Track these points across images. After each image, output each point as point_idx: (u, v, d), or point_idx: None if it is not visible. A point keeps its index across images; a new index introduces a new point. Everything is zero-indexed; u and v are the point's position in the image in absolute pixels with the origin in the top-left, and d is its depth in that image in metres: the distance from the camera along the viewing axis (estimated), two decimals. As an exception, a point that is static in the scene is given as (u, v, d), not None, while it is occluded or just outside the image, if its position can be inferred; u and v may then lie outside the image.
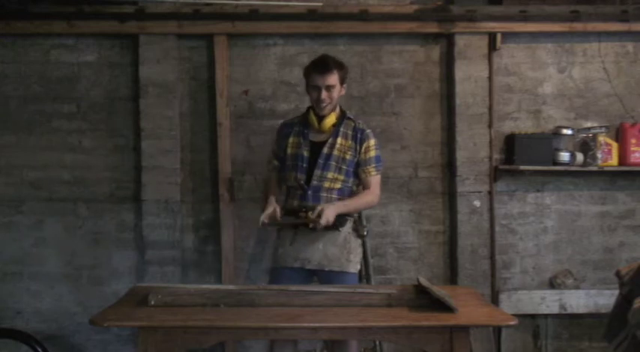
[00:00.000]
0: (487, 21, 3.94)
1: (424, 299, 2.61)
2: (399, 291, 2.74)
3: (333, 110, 3.23)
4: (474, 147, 3.98)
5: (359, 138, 3.24)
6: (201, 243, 4.05)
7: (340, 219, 3.18)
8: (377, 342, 3.68)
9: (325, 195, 3.20)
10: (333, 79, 3.18)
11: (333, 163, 3.20)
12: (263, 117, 4.03)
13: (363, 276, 3.78)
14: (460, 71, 3.98)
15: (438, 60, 4.07)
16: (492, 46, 3.98)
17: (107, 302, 3.04)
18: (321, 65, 3.20)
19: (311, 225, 3.10)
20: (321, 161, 3.20)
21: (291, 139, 3.30)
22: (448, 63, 4.05)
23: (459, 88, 3.98)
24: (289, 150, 3.29)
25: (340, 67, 3.24)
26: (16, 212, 4.01)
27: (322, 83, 3.17)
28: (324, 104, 3.19)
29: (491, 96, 4.00)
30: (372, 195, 3.27)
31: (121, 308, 2.60)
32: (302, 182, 3.19)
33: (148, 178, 3.93)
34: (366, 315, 2.49)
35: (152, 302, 2.58)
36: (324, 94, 3.17)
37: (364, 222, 3.44)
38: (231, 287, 2.94)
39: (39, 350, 3.68)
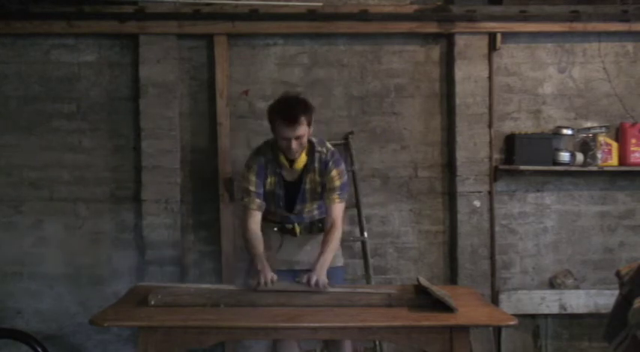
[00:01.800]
0: (487, 21, 3.94)
1: (424, 299, 2.61)
2: (399, 291, 2.74)
3: (302, 152, 3.11)
4: (474, 147, 3.98)
5: (323, 171, 3.13)
6: (201, 243, 4.05)
7: (319, 225, 3.25)
8: (377, 342, 3.69)
9: (307, 214, 3.23)
10: (303, 129, 3.01)
11: (308, 196, 3.18)
12: (263, 117, 3.98)
13: (364, 276, 3.79)
14: (460, 71, 3.98)
15: (438, 60, 4.07)
16: (492, 46, 3.98)
17: (107, 302, 3.04)
18: (290, 117, 2.97)
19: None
20: (298, 199, 3.17)
21: (269, 179, 3.15)
22: (448, 63, 4.05)
23: (459, 88, 3.98)
24: (267, 187, 3.17)
25: (307, 110, 3.04)
26: (16, 212, 4.01)
27: (292, 135, 2.99)
28: (295, 151, 3.05)
29: (492, 96, 4.00)
30: (337, 230, 3.13)
31: (121, 308, 2.60)
32: (285, 215, 3.22)
33: (148, 178, 3.93)
34: (366, 315, 2.49)
35: (152, 302, 2.58)
36: (294, 144, 3.02)
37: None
38: (231, 287, 2.94)
39: (39, 350, 3.68)
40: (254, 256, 3.06)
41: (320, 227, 3.23)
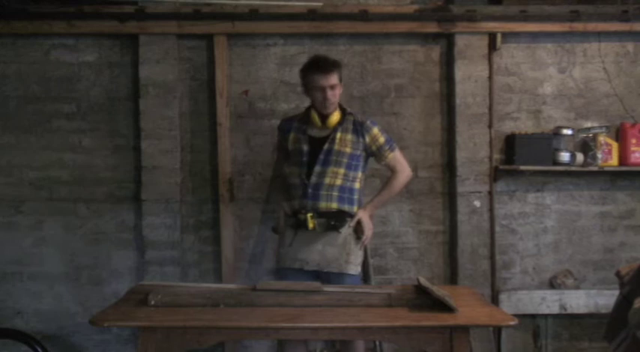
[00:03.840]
0: (487, 21, 3.94)
1: (424, 299, 2.61)
2: (399, 291, 2.74)
3: (336, 108, 3.26)
4: (474, 147, 3.98)
5: (360, 131, 3.27)
6: (201, 243, 4.05)
7: (340, 220, 3.19)
8: (377, 342, 3.68)
9: (325, 192, 3.20)
10: (335, 78, 3.22)
11: (333, 158, 3.22)
12: (263, 117, 4.03)
13: (364, 276, 3.78)
14: (460, 71, 3.98)
15: (438, 60, 4.07)
16: (492, 46, 3.98)
17: (107, 302, 3.05)
18: (323, 65, 3.21)
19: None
20: (321, 156, 3.22)
21: (291, 135, 3.33)
22: (448, 63, 4.05)
23: (459, 88, 3.98)
24: (290, 147, 3.33)
25: (338, 65, 3.29)
26: (16, 212, 4.01)
27: (326, 83, 3.18)
28: (330, 103, 3.22)
29: (491, 96, 4.00)
30: (401, 173, 3.37)
31: (121, 308, 2.60)
32: (304, 176, 3.21)
33: (148, 178, 3.93)
34: (365, 315, 2.49)
35: (152, 302, 2.58)
36: (329, 94, 3.19)
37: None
38: (231, 287, 2.94)
39: (39, 350, 3.68)
40: (274, 197, 3.65)
41: (336, 226, 3.18)
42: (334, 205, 3.21)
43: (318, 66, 3.22)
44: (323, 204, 3.20)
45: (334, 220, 3.18)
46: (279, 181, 3.51)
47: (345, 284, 3.12)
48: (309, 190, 3.20)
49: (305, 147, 3.25)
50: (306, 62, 3.32)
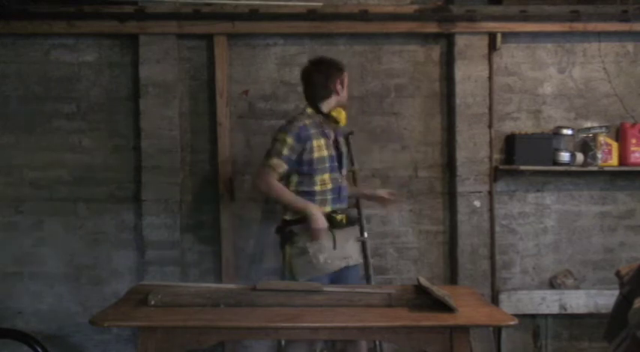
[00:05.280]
0: (487, 21, 3.94)
1: (424, 299, 2.61)
2: (399, 291, 2.74)
3: None
4: (474, 147, 3.98)
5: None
6: (201, 243, 4.05)
7: (353, 216, 3.36)
8: (377, 342, 3.68)
9: (346, 194, 3.32)
10: None
11: (345, 161, 3.36)
12: (263, 117, 4.03)
13: (364, 276, 3.79)
14: (460, 71, 3.98)
15: (438, 60, 4.07)
16: (492, 46, 3.98)
17: (107, 302, 3.05)
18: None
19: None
20: (344, 160, 3.32)
21: (315, 143, 3.11)
22: (448, 63, 4.05)
23: (459, 88, 3.98)
24: (315, 154, 3.12)
25: None
26: (16, 212, 4.01)
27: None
28: None
29: (491, 96, 4.00)
30: None
31: (121, 308, 2.60)
32: (339, 180, 3.25)
33: (148, 178, 3.93)
34: (365, 315, 2.49)
35: (152, 302, 2.58)
36: None
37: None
38: (231, 287, 2.94)
39: (39, 350, 3.68)
40: (295, 202, 3.07)
41: (353, 221, 3.31)
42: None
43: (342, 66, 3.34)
44: (346, 202, 3.34)
45: (351, 212, 3.36)
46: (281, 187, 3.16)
47: (359, 273, 3.34)
48: (343, 193, 3.27)
49: (333, 153, 3.23)
50: (337, 62, 3.28)
